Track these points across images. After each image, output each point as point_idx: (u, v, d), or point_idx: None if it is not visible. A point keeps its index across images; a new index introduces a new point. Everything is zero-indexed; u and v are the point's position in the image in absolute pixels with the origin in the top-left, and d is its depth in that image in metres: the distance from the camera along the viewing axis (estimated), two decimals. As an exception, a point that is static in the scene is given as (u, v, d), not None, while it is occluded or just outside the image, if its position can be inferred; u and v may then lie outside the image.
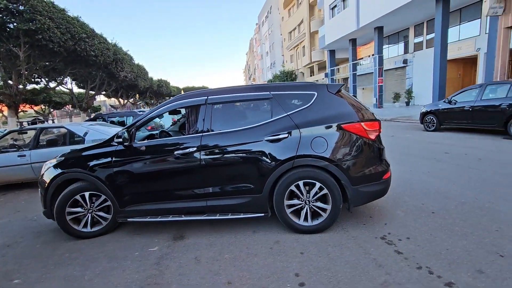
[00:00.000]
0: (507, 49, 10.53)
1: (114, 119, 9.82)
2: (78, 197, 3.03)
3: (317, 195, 2.73)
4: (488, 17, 11.84)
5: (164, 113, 3.09)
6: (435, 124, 8.50)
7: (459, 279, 1.95)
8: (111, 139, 3.01)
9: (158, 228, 3.24)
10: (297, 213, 2.84)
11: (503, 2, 10.15)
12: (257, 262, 2.39)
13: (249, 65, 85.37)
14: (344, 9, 19.97)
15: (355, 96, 3.07)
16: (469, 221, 2.77)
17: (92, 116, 14.54)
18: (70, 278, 2.41)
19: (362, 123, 2.72)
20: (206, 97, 2.97)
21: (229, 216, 2.86)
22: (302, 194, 2.75)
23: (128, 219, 3.02)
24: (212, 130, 2.87)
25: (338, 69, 25.41)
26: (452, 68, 16.03)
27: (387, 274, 2.07)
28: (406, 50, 19.76)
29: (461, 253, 2.25)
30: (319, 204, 2.75)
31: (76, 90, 24.20)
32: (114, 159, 2.95)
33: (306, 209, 2.78)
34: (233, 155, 2.80)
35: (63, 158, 3.17)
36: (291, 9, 34.32)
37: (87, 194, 3.04)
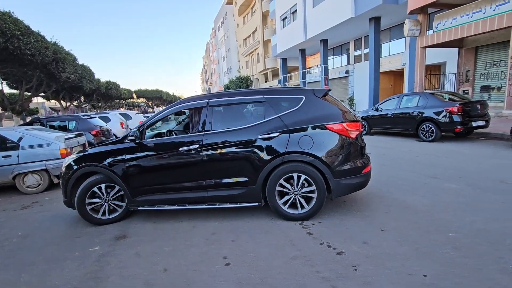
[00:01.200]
0: (423, 65, 12.44)
1: (55, 123, 8.99)
2: (95, 188, 3.44)
3: (304, 187, 3.13)
4: (409, 37, 13.86)
5: (171, 114, 3.55)
6: (366, 129, 9.71)
7: (348, 248, 2.52)
8: (124, 137, 3.45)
9: (99, 229, 3.35)
10: (287, 202, 3.21)
11: (419, 25, 12.02)
12: (193, 251, 2.71)
13: (206, 69, 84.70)
14: (293, 21, 21.31)
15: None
16: (370, 207, 3.45)
17: (28, 120, 13.24)
18: (4, 282, 2.45)
19: (344, 124, 3.13)
20: (207, 100, 3.39)
21: (227, 205, 3.27)
22: (291, 186, 3.15)
23: (138, 208, 3.41)
24: (213, 130, 3.28)
25: (290, 76, 26.86)
26: (385, 79, 18.19)
27: (298, 250, 2.56)
28: (348, 62, 21.80)
29: (355, 230, 2.86)
30: (306, 194, 3.15)
31: (7, 90, 21.65)
32: (126, 155, 3.35)
33: (295, 199, 3.17)
34: (231, 151, 3.20)
35: (81, 154, 3.57)
36: (245, 17, 35.26)
37: (103, 185, 3.46)
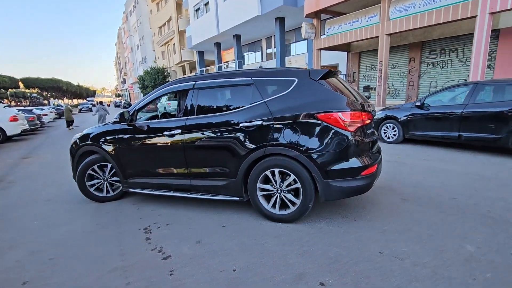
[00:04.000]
0: (319, 65, 13.79)
1: None
2: (95, 167, 3.58)
3: (289, 184, 2.72)
4: (307, 39, 15.17)
5: (160, 96, 3.37)
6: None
7: (178, 251, 2.42)
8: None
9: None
10: (271, 201, 2.85)
11: (314, 28, 13.22)
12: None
13: (119, 58, 76.18)
14: (206, 13, 20.84)
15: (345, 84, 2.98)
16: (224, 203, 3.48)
17: None
18: None
19: (339, 113, 2.52)
20: (194, 82, 3.14)
21: (209, 197, 3.06)
22: (274, 182, 2.77)
23: (129, 189, 3.45)
24: (196, 114, 3.05)
25: (208, 70, 26.38)
26: (292, 77, 19.60)
27: (122, 261, 2.33)
28: (262, 59, 22.66)
29: (197, 229, 2.80)
30: (290, 193, 2.75)
31: None
32: (117, 136, 3.39)
33: (277, 197, 2.80)
34: (211, 138, 2.93)
35: (84, 132, 3.66)
36: (159, 3, 32.85)
37: (100, 164, 3.58)
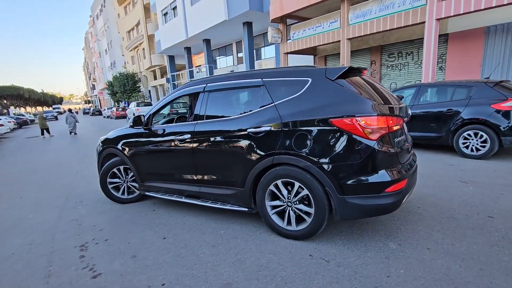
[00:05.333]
0: (287, 69, 14.05)
1: None
2: (121, 168, 3.77)
3: (299, 197, 2.46)
4: (274, 44, 15.42)
5: (172, 100, 3.34)
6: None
7: (110, 268, 2.34)
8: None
9: None
10: (280, 214, 2.65)
11: (280, 33, 13.47)
12: None
13: (88, 63, 73.01)
14: (174, 17, 20.54)
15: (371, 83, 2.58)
16: (174, 214, 3.42)
17: None
18: None
19: (358, 118, 2.16)
20: (205, 85, 3.03)
21: (218, 205, 2.92)
22: (283, 194, 2.54)
23: (146, 193, 3.55)
24: (206, 118, 2.93)
25: (180, 75, 25.96)
26: (263, 80, 19.80)
27: (46, 284, 2.21)
28: (233, 63, 22.69)
29: (135, 243, 2.72)
30: (301, 207, 2.47)
31: None
32: (134, 139, 3.48)
33: (288, 211, 2.56)
34: (220, 145, 2.78)
35: (107, 135, 3.83)
36: (127, 7, 31.96)
37: (121, 167, 3.78)
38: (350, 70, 2.39)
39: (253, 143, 2.57)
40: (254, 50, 17.80)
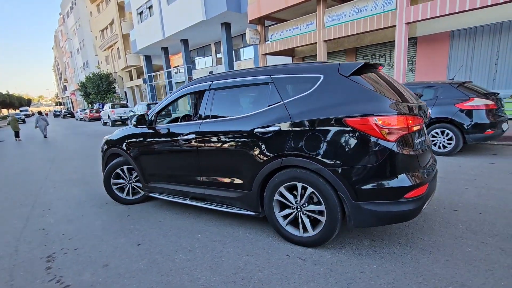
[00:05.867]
0: (265, 70, 14.13)
1: None
2: (124, 168, 3.71)
3: (311, 203, 2.33)
4: (252, 45, 15.47)
5: (178, 98, 3.23)
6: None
7: (79, 279, 2.22)
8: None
9: None
10: (288, 219, 2.48)
11: (258, 34, 13.53)
12: None
13: (58, 63, 69.37)
14: (150, 16, 20.03)
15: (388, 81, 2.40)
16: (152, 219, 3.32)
17: None
18: None
19: (375, 118, 2.00)
20: (210, 82, 2.92)
21: (223, 208, 2.81)
22: (292, 198, 2.40)
23: (150, 194, 3.46)
24: (212, 117, 2.81)
25: (157, 75, 25.34)
26: (243, 81, 19.80)
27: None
28: (212, 63, 22.49)
29: (109, 251, 2.61)
30: (312, 214, 2.33)
31: None
32: (138, 139, 3.39)
33: (298, 216, 2.42)
34: (226, 145, 2.66)
35: (112, 134, 3.81)
36: (99, 5, 30.74)
37: (125, 167, 3.72)
38: (366, 66, 2.24)
39: (260, 144, 2.43)
40: (233, 51, 17.78)
